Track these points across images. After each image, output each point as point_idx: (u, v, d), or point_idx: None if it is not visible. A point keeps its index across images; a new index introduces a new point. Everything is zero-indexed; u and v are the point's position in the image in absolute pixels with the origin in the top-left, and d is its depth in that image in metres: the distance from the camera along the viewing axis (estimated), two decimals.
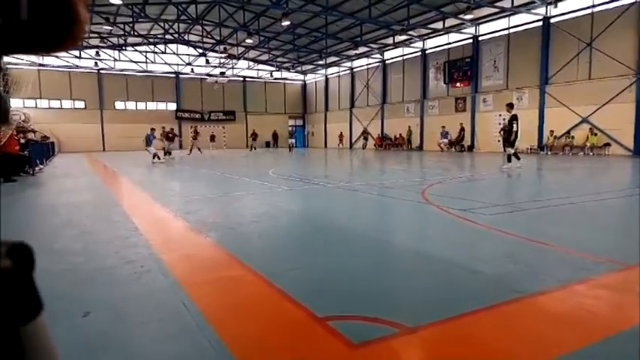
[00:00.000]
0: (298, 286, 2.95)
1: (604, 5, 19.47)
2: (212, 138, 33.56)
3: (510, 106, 12.23)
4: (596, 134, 19.73)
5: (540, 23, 22.03)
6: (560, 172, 12.05)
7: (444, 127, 26.08)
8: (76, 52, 32.75)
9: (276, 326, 2.35)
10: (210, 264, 3.59)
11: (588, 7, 20.06)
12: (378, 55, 33.00)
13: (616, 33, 19.02)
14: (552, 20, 21.61)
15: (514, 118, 11.92)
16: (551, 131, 21.57)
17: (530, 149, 22.23)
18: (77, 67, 34.07)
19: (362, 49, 31.31)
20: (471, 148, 25.94)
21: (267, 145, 40.82)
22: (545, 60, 21.92)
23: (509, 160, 12.21)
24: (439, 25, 25.75)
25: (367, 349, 2.04)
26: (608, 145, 19.51)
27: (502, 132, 12.71)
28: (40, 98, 32.83)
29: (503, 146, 12.98)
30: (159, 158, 18.51)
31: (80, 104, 34.78)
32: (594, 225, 5.04)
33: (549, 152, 21.42)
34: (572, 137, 20.74)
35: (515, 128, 11.88)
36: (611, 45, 19.25)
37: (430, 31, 26.57)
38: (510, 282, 2.98)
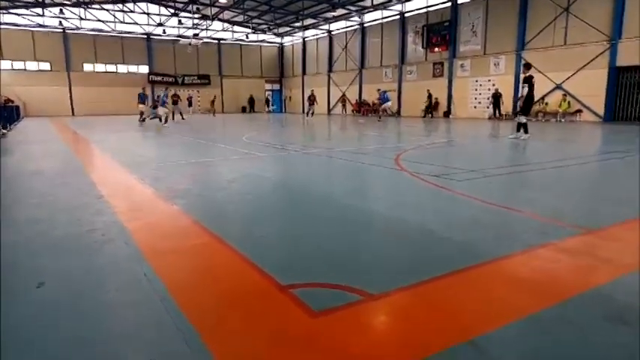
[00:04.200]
0: (265, 254, 2.91)
1: None
2: (189, 102, 32.75)
3: (527, 66, 11.07)
4: (568, 101, 20.00)
5: None
6: (534, 139, 12.23)
7: (379, 90, 23.36)
8: (39, 10, 30.92)
9: (238, 295, 2.32)
10: (175, 232, 3.51)
11: None
12: (357, 19, 32.25)
13: None
14: None
15: (526, 80, 10.62)
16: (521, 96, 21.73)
17: (506, 115, 22.44)
18: (40, 25, 32.23)
19: (340, 11, 30.50)
20: (447, 114, 26.04)
21: (243, 110, 40.10)
22: (523, 25, 21.83)
23: (518, 130, 11.10)
24: None
25: (328, 316, 2.03)
26: (579, 111, 19.85)
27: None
28: (3, 59, 31.10)
29: (515, 113, 11.54)
30: (165, 122, 18.60)
31: (45, 66, 33.13)
32: (559, 190, 5.14)
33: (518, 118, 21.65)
34: (546, 104, 20.99)
35: (526, 91, 10.61)
36: (587, 10, 19.25)
37: None
38: (477, 247, 3.01)
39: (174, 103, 22.39)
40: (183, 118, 23.44)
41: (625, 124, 17.40)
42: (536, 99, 21.17)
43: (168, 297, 2.26)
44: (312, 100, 24.56)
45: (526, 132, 10.84)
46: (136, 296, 2.31)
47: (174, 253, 3.01)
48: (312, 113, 25.15)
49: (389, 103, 22.44)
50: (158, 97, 19.12)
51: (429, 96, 26.41)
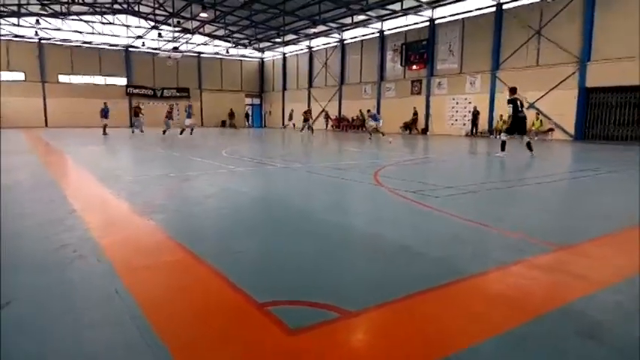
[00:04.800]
0: (241, 271, 2.87)
1: None
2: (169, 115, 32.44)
3: (512, 90, 10.95)
4: (541, 120, 20.60)
5: (494, 9, 22.55)
6: (507, 156, 12.51)
7: (369, 110, 22.31)
8: (14, 20, 30.35)
9: (213, 313, 2.28)
10: (150, 248, 3.44)
11: None
12: (337, 35, 32.75)
13: (563, 22, 19.79)
14: (505, 7, 22.16)
15: (510, 102, 10.79)
16: (501, 115, 22.35)
17: (481, 133, 22.98)
18: (15, 35, 31.61)
19: (320, 28, 30.94)
20: (425, 131, 26.48)
21: (223, 124, 39.93)
22: (497, 46, 22.54)
23: (529, 147, 10.88)
24: (397, 6, 25.80)
25: (305, 334, 2.00)
26: (551, 130, 20.47)
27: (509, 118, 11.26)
28: None
29: (511, 133, 11.29)
30: (190, 132, 20.88)
31: (19, 76, 32.41)
32: (532, 207, 5.25)
33: (498, 136, 22.21)
34: None
35: (511, 112, 10.84)
36: (557, 33, 20.03)
37: (388, 12, 26.58)
38: (453, 263, 3.03)
39: (136, 115, 23.06)
40: (141, 131, 23.24)
41: (594, 143, 18.02)
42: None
43: (140, 315, 2.19)
44: (307, 116, 24.55)
45: (503, 149, 11.04)
46: (106, 314, 2.24)
47: (147, 269, 2.94)
48: (310, 129, 24.65)
49: (380, 123, 22.13)
50: (188, 107, 21.55)
51: (415, 113, 26.78)
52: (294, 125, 27.80)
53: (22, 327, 2.10)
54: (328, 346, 1.93)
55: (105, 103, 22.22)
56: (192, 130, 21.51)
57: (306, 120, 24.40)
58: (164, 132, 20.67)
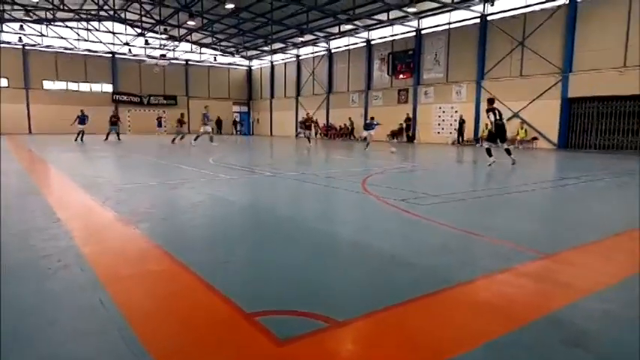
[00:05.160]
0: (229, 281, 2.85)
1: (536, 6, 20.61)
2: (159, 122, 32.66)
3: (489, 101, 11.41)
4: (525, 129, 20.93)
5: (478, 20, 22.95)
6: (497, 165, 12.65)
7: (372, 118, 20.44)
8: None
9: (201, 323, 2.25)
10: (136, 257, 3.39)
11: (521, 7, 21.17)
12: (325, 44, 32.96)
13: (545, 33, 20.21)
14: (489, 18, 22.57)
15: (488, 111, 11.18)
16: (486, 124, 22.63)
17: (467, 141, 23.27)
18: None
19: (308, 37, 31.13)
20: (411, 139, 26.70)
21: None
22: (482, 56, 22.91)
23: (508, 153, 11.24)
24: (384, 16, 26.10)
25: (294, 344, 1.99)
26: (535, 139, 20.81)
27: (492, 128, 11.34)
28: None
29: (492, 140, 11.53)
30: (210, 140, 19.75)
31: (2, 82, 31.90)
32: (519, 215, 5.32)
33: (482, 145, 22.50)
34: None
35: (493, 120, 11.06)
36: (540, 44, 20.45)
37: (375, 22, 26.87)
38: (441, 272, 3.05)
39: (114, 124, 22.45)
40: (119, 139, 23.06)
41: (577, 152, 18.37)
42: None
43: (125, 325, 2.16)
44: (309, 123, 21.47)
45: (490, 155, 11.13)
46: (90, 325, 2.20)
47: (133, 279, 2.90)
48: (310, 138, 21.90)
49: (373, 132, 21.28)
50: (204, 115, 20.03)
51: (409, 119, 26.77)
52: (309, 136, 21.97)
53: (6, 337, 2.05)
54: (317, 356, 1.92)
55: (82, 110, 21.78)
56: (211, 137, 20.09)
57: (307, 128, 21.41)
58: (173, 140, 20.39)
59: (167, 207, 5.58)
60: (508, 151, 11.32)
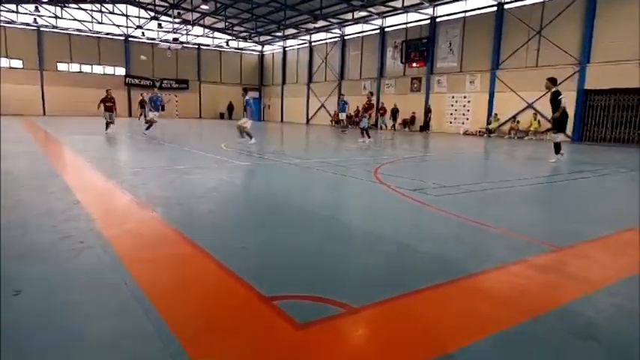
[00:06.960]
0: (246, 265, 2.92)
1: None
2: (163, 107, 32.29)
3: (552, 81, 9.70)
4: (538, 120, 20.68)
5: (495, 8, 22.55)
6: (506, 156, 12.60)
7: (343, 94, 20.13)
8: (12, 6, 30.10)
9: (220, 305, 2.33)
10: (155, 240, 3.49)
11: None
12: (337, 31, 32.67)
13: (564, 23, 19.82)
14: (506, 6, 22.17)
15: (556, 94, 9.47)
16: (495, 114, 22.45)
17: (479, 132, 23.07)
18: (13, 22, 31.37)
19: (321, 23, 30.86)
20: (423, 128, 26.53)
21: (222, 116, 39.91)
22: (497, 45, 22.56)
23: (556, 151, 9.94)
24: (398, 3, 25.75)
25: (312, 329, 2.07)
26: (549, 130, 20.53)
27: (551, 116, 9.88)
28: None
29: (562, 129, 10.04)
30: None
31: (17, 63, 32.21)
32: (531, 208, 5.33)
33: (491, 135, 22.32)
34: (518, 122, 21.66)
35: (563, 104, 9.35)
36: (558, 34, 20.06)
37: (389, 9, 26.53)
38: (453, 262, 3.10)
39: (109, 110, 16.69)
40: (107, 131, 16.85)
41: (592, 145, 18.13)
42: (507, 117, 22.07)
43: (149, 306, 2.25)
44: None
45: (557, 150, 9.97)
46: (116, 305, 2.29)
47: (154, 261, 3.00)
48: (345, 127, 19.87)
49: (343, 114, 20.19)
50: (152, 99, 16.77)
51: (429, 110, 26.08)
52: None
53: (36, 315, 2.15)
54: (334, 340, 1.99)
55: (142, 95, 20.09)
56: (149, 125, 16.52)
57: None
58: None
59: (183, 191, 5.64)
60: (556, 147, 9.89)
